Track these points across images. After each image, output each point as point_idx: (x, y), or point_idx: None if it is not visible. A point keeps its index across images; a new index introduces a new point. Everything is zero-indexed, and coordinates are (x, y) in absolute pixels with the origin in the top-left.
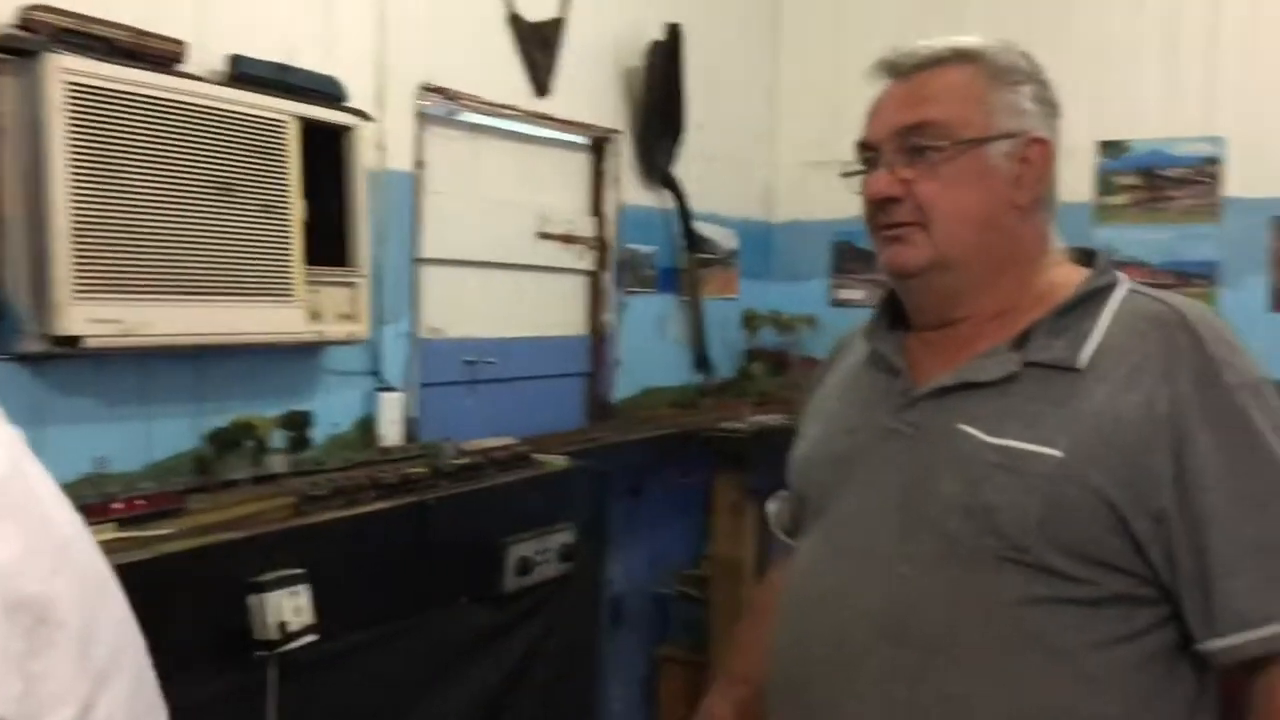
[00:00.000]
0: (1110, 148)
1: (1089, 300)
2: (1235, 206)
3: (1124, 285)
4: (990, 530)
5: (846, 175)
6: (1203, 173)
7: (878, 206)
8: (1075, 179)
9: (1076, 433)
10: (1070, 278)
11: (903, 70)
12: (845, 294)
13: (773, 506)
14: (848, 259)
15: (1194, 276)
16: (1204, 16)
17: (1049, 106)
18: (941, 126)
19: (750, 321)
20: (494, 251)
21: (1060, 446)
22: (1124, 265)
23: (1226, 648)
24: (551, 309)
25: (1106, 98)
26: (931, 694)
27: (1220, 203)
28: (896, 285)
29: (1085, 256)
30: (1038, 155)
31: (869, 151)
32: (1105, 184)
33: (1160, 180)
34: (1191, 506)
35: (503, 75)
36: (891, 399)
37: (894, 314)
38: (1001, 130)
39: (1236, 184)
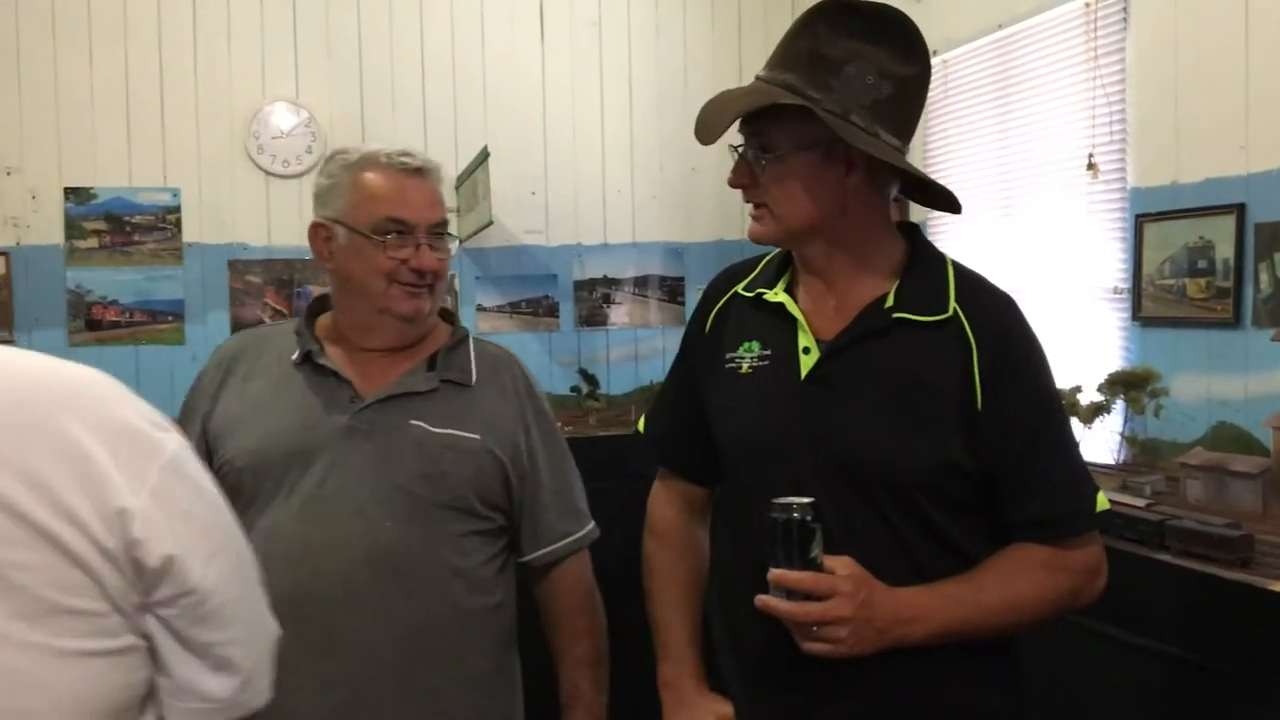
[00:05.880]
0: (76, 194)
1: (460, 342)
2: (195, 251)
3: (466, 331)
4: (444, 489)
5: (391, 243)
6: (164, 220)
7: (419, 272)
8: (47, 223)
9: (483, 423)
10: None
11: (424, 173)
12: None
13: None
14: None
15: (162, 314)
16: (154, 73)
17: None
18: (446, 223)
19: None
20: None
21: (476, 431)
22: (96, 305)
23: (543, 554)
24: None
25: (69, 147)
26: (416, 605)
27: (182, 247)
28: (396, 323)
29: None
30: None
31: (406, 228)
32: (74, 228)
33: (127, 225)
34: (533, 467)
35: None
36: (341, 403)
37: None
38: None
39: (194, 231)
